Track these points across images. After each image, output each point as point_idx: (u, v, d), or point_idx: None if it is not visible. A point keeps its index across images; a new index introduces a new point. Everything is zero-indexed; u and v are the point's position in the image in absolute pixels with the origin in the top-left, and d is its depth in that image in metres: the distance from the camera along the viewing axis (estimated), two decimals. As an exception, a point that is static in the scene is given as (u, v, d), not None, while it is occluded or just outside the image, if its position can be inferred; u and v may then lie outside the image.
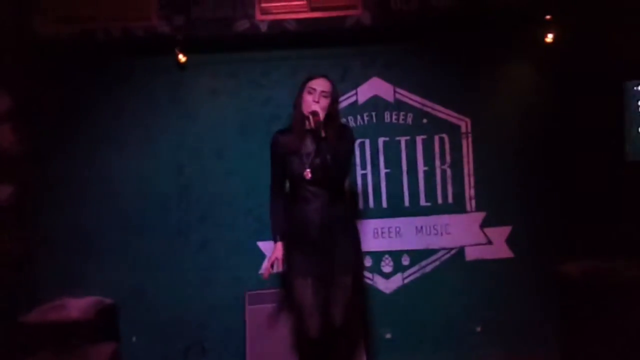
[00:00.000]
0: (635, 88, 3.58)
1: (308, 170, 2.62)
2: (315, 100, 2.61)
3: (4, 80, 3.23)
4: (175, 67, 3.44)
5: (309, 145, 2.66)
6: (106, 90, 3.47)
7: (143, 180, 3.49)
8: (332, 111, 2.66)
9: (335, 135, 2.62)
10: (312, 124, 2.57)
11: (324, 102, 2.62)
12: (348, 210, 2.79)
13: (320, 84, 2.64)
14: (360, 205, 3.57)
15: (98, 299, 3.32)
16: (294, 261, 2.69)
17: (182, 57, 3.39)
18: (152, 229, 3.49)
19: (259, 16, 3.32)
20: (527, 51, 3.57)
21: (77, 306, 3.19)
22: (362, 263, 2.79)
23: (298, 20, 3.33)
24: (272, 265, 2.73)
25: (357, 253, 2.80)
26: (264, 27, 3.32)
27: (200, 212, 3.51)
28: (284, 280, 2.79)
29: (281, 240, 2.74)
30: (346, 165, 2.74)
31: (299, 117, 2.65)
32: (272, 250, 2.78)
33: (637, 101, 3.59)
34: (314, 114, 2.56)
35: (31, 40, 3.22)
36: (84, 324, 3.12)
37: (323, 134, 2.56)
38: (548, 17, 3.38)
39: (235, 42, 3.41)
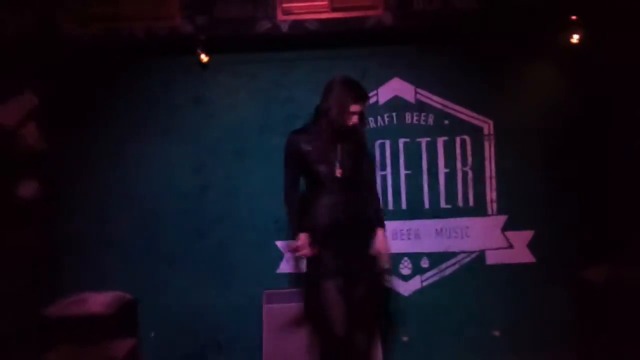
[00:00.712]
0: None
1: (339, 168, 2.63)
2: (355, 121, 2.65)
3: (30, 80, 3.29)
4: (197, 66, 3.47)
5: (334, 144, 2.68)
6: (129, 89, 3.52)
7: (164, 178, 3.53)
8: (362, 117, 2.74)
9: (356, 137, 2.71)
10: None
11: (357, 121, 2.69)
12: (371, 210, 2.78)
13: (358, 107, 2.65)
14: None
15: (118, 294, 3.37)
16: (321, 261, 2.67)
17: (204, 57, 3.42)
18: (172, 227, 3.52)
19: (280, 16, 3.32)
20: (551, 52, 3.50)
21: (97, 301, 3.23)
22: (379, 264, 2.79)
23: (319, 21, 3.33)
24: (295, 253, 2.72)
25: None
26: (285, 28, 3.33)
27: (219, 211, 3.54)
28: (306, 279, 2.77)
29: (303, 231, 2.71)
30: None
31: (334, 122, 2.64)
32: (296, 244, 2.71)
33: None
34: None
35: (56, 39, 3.28)
36: (105, 319, 3.16)
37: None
38: (573, 17, 3.31)
39: (257, 42, 3.43)
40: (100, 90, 3.51)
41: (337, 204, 2.65)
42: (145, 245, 3.51)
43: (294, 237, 2.75)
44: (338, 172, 2.64)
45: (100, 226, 3.50)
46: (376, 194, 2.94)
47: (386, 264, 2.81)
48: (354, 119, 2.63)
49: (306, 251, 2.66)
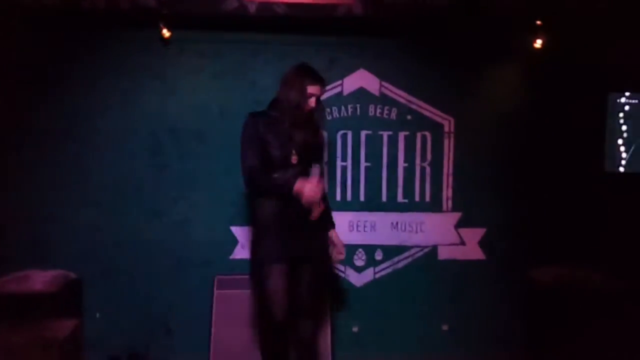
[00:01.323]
0: (618, 100, 3.62)
1: (294, 155, 2.61)
2: (311, 104, 2.62)
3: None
4: (159, 42, 3.36)
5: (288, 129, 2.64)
6: (87, 62, 3.37)
7: (119, 156, 3.42)
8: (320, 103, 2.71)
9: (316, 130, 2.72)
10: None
11: (316, 105, 2.66)
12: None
13: (319, 91, 2.64)
14: (338, 197, 3.55)
15: (63, 273, 3.26)
16: (268, 246, 2.65)
17: (166, 32, 3.30)
18: (126, 206, 3.42)
19: (248, -4, 3.25)
20: (515, 55, 3.57)
21: (40, 279, 3.13)
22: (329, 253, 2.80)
23: (288, 5, 3.26)
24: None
25: (326, 241, 2.80)
26: (252, 9, 3.25)
27: (175, 192, 3.46)
28: (252, 264, 2.74)
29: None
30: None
31: (293, 108, 2.60)
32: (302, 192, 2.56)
33: (619, 113, 3.62)
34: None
35: (14, 7, 3.11)
36: (47, 297, 3.06)
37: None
38: (538, 22, 3.37)
39: (223, 21, 3.34)
40: (56, 62, 3.35)
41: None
42: (95, 222, 3.40)
43: (290, 194, 2.56)
44: (294, 159, 2.62)
45: (49, 203, 3.36)
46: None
47: (340, 257, 2.80)
48: (312, 101, 2.61)
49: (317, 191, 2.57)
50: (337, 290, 3.55)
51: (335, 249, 2.79)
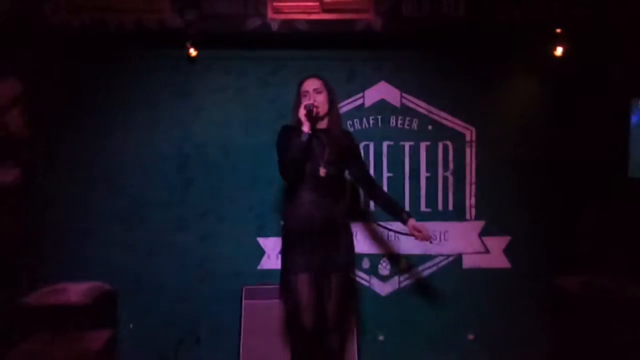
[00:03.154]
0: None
1: (323, 168, 2.67)
2: (312, 100, 2.68)
3: (15, 67, 3.26)
4: (185, 61, 3.47)
5: (316, 144, 2.70)
6: (115, 80, 3.50)
7: (147, 171, 3.53)
8: (332, 104, 2.74)
9: (341, 139, 2.72)
10: (309, 116, 2.60)
11: (320, 97, 2.70)
12: (346, 209, 2.83)
13: (310, 84, 2.71)
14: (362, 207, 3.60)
15: (98, 285, 3.36)
16: (293, 256, 2.72)
17: (192, 52, 3.41)
18: (155, 219, 3.52)
19: (270, 15, 3.33)
20: (536, 64, 3.58)
21: (76, 291, 3.22)
22: (354, 263, 2.83)
23: (309, 21, 3.35)
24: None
25: (352, 253, 2.84)
26: (275, 26, 3.34)
27: (202, 206, 3.55)
28: (281, 275, 2.80)
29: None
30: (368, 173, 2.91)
31: (297, 120, 2.69)
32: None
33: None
34: (308, 107, 2.60)
35: (42, 27, 3.24)
36: (83, 309, 3.15)
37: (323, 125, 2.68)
38: (558, 30, 3.38)
39: (246, 39, 3.44)
40: (86, 80, 3.49)
41: (315, 203, 2.69)
42: (126, 236, 3.50)
43: (306, 144, 2.62)
44: (322, 172, 2.68)
45: (82, 215, 3.48)
46: (380, 188, 3.02)
47: (429, 239, 2.80)
48: (307, 98, 2.66)
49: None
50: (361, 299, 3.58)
51: (420, 235, 2.77)
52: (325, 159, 2.69)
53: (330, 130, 2.73)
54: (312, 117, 2.62)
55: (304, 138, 2.60)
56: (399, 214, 2.84)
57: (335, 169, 2.71)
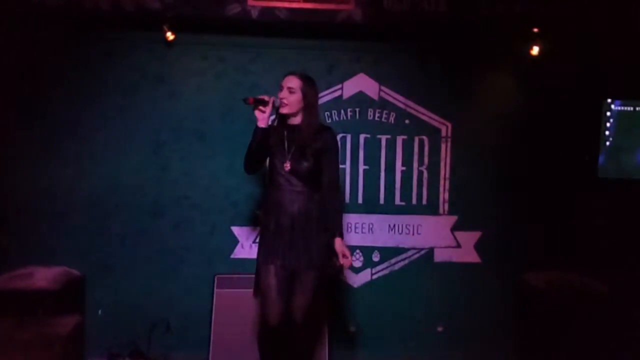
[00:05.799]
0: (612, 106, 3.67)
1: (288, 162, 2.66)
2: (281, 96, 2.66)
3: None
4: (163, 44, 3.41)
5: (288, 139, 2.70)
6: (90, 63, 3.43)
7: (121, 155, 3.47)
8: (306, 107, 2.68)
9: (310, 137, 2.67)
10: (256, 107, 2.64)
11: (291, 97, 2.66)
12: (322, 206, 2.78)
13: (287, 81, 2.69)
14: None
15: (66, 270, 3.32)
16: (263, 247, 2.72)
17: (170, 35, 3.36)
18: (128, 205, 3.48)
19: (250, 1, 3.29)
20: (512, 62, 3.62)
21: (43, 276, 3.17)
22: (328, 260, 2.77)
23: (290, 10, 3.32)
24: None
25: (327, 249, 2.76)
26: (255, 13, 3.30)
27: (176, 192, 3.51)
28: (254, 265, 2.80)
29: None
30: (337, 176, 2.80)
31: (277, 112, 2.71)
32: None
33: (612, 119, 3.68)
34: (262, 101, 2.63)
35: (17, 6, 3.15)
36: (50, 294, 3.10)
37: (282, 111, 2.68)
38: (535, 29, 3.43)
39: (225, 25, 3.39)
40: (59, 61, 3.40)
41: (288, 197, 2.66)
42: (97, 221, 3.45)
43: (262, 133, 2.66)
44: (286, 167, 2.67)
45: (52, 200, 3.42)
46: (335, 196, 2.78)
47: (346, 263, 2.71)
48: (282, 92, 2.66)
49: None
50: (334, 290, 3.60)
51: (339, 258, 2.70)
52: (290, 154, 2.68)
53: (301, 128, 2.69)
54: (262, 111, 2.64)
55: (257, 132, 2.65)
56: (330, 230, 2.71)
57: (299, 166, 2.66)
